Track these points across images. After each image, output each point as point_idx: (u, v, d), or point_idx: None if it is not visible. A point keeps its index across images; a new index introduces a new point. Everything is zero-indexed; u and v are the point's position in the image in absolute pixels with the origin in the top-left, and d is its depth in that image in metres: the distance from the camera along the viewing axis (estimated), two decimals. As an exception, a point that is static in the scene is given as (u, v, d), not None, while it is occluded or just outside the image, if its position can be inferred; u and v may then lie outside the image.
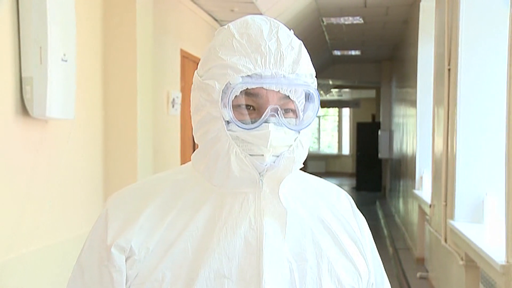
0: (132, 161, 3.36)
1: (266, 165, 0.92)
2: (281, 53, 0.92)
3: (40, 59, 2.42)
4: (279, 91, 0.91)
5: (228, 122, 0.91)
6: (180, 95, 4.65)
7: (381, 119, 12.08)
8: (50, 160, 2.72)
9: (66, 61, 2.57)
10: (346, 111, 18.54)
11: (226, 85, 0.91)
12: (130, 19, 3.32)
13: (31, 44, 2.42)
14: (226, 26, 0.96)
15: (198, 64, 1.00)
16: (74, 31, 2.68)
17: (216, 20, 5.70)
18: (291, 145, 0.94)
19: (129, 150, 3.35)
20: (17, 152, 2.49)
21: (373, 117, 14.45)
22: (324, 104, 16.85)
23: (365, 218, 1.09)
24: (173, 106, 4.50)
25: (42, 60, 2.43)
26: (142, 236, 0.92)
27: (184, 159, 4.74)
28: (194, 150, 1.02)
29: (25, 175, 2.55)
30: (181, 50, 4.82)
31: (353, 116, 18.07)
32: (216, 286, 0.90)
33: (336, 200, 1.06)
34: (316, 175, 1.12)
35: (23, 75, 2.44)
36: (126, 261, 0.92)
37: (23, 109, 2.47)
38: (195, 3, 5.05)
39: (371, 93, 15.16)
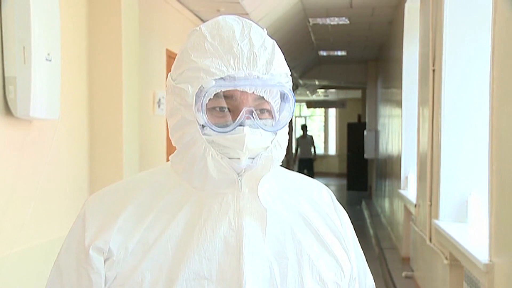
0: (117, 161, 3.34)
1: (243, 166, 0.92)
2: (254, 54, 0.91)
3: (23, 58, 2.40)
4: (253, 92, 0.91)
5: (203, 126, 0.91)
6: (166, 95, 4.63)
7: (367, 120, 12.14)
8: (34, 161, 2.69)
9: (50, 60, 2.55)
10: (332, 112, 18.60)
11: (199, 88, 0.90)
12: (116, 18, 3.30)
13: (14, 44, 2.39)
14: (198, 28, 0.96)
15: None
16: (59, 30, 2.66)
17: (202, 20, 5.68)
18: (268, 147, 0.93)
19: (114, 151, 3.33)
20: (0, 153, 2.46)
21: (359, 117, 14.53)
22: (310, 104, 16.90)
23: (351, 217, 1.10)
24: (159, 106, 4.49)
25: (26, 59, 2.40)
26: (120, 237, 0.91)
27: (170, 159, 4.71)
28: (178, 150, 1.01)
29: (8, 175, 2.52)
30: (167, 50, 4.80)
31: (339, 117, 18.14)
32: (196, 287, 0.89)
33: (317, 195, 1.06)
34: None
35: (6, 75, 2.41)
36: (104, 262, 0.91)
37: (6, 109, 2.45)
38: (181, 3, 5.04)
39: (357, 94, 15.24)
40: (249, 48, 0.91)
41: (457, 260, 3.45)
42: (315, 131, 19.21)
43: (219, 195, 0.94)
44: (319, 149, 18.80)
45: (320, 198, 1.05)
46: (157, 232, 0.92)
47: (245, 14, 5.27)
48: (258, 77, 0.91)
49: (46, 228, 2.84)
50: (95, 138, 3.32)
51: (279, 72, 0.94)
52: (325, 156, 18.50)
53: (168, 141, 4.77)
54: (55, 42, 2.62)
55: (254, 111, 0.90)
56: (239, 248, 0.91)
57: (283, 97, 0.96)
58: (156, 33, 4.52)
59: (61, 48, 2.69)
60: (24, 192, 2.62)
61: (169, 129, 0.98)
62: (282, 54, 0.96)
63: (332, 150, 18.53)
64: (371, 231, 8.20)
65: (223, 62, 0.90)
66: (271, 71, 0.92)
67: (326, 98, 16.95)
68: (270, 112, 0.94)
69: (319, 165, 17.98)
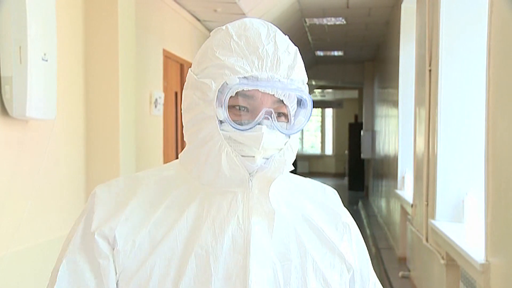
0: (114, 161, 3.33)
1: (256, 166, 0.93)
2: (278, 57, 0.93)
3: (19, 58, 2.39)
4: (273, 94, 0.93)
5: (221, 122, 0.92)
6: (163, 95, 4.63)
7: (363, 120, 12.16)
8: (30, 161, 2.69)
9: (46, 60, 2.54)
10: (329, 112, 18.64)
11: (222, 85, 0.91)
12: (112, 18, 3.30)
13: (10, 44, 2.39)
14: (223, 27, 0.97)
15: (183, 64, 1.00)
16: (55, 30, 2.65)
17: (199, 20, 5.68)
18: (281, 149, 0.95)
19: (111, 151, 3.33)
20: (-4, 153, 2.45)
21: (356, 117, 14.55)
22: (307, 104, 16.87)
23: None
24: (155, 107, 4.48)
25: (22, 59, 2.39)
26: (127, 228, 0.93)
27: (167, 159, 4.71)
28: (177, 151, 1.02)
29: (5, 176, 2.51)
30: (164, 50, 4.79)
31: (336, 117, 18.17)
32: (203, 283, 0.90)
33: (322, 195, 1.08)
34: (300, 175, 1.14)
35: (2, 75, 2.41)
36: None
37: (3, 109, 2.44)
38: (178, 3, 5.03)
39: (354, 94, 15.26)
40: (274, 51, 0.93)
41: (453, 260, 3.46)
42: (312, 131, 19.23)
43: (229, 194, 0.95)
44: (316, 149, 18.83)
45: (325, 197, 1.07)
46: (166, 228, 0.93)
47: (242, 14, 5.28)
48: (279, 80, 0.93)
49: (43, 228, 2.83)
50: (92, 138, 3.32)
51: (299, 78, 0.96)
52: (322, 156, 18.53)
53: (165, 141, 4.77)
54: (52, 42, 2.62)
55: (273, 113, 0.93)
56: (247, 248, 0.92)
57: (299, 102, 0.98)
58: (153, 33, 4.51)
59: (58, 48, 2.68)
60: (21, 192, 2.62)
61: (183, 124, 0.99)
62: (302, 62, 0.98)
63: (329, 150, 18.57)
64: (368, 231, 8.21)
65: (247, 62, 0.91)
66: (291, 76, 0.94)
67: (323, 98, 16.98)
68: (286, 116, 0.96)
69: (315, 165, 18.01)
